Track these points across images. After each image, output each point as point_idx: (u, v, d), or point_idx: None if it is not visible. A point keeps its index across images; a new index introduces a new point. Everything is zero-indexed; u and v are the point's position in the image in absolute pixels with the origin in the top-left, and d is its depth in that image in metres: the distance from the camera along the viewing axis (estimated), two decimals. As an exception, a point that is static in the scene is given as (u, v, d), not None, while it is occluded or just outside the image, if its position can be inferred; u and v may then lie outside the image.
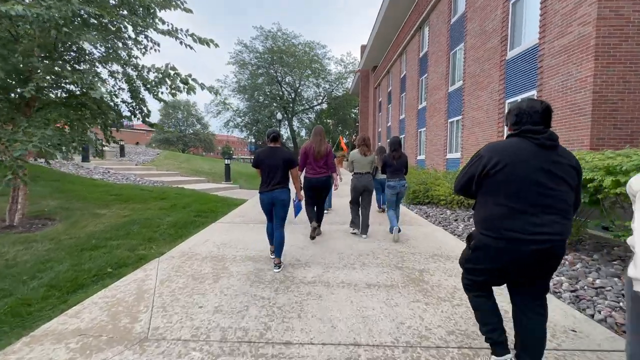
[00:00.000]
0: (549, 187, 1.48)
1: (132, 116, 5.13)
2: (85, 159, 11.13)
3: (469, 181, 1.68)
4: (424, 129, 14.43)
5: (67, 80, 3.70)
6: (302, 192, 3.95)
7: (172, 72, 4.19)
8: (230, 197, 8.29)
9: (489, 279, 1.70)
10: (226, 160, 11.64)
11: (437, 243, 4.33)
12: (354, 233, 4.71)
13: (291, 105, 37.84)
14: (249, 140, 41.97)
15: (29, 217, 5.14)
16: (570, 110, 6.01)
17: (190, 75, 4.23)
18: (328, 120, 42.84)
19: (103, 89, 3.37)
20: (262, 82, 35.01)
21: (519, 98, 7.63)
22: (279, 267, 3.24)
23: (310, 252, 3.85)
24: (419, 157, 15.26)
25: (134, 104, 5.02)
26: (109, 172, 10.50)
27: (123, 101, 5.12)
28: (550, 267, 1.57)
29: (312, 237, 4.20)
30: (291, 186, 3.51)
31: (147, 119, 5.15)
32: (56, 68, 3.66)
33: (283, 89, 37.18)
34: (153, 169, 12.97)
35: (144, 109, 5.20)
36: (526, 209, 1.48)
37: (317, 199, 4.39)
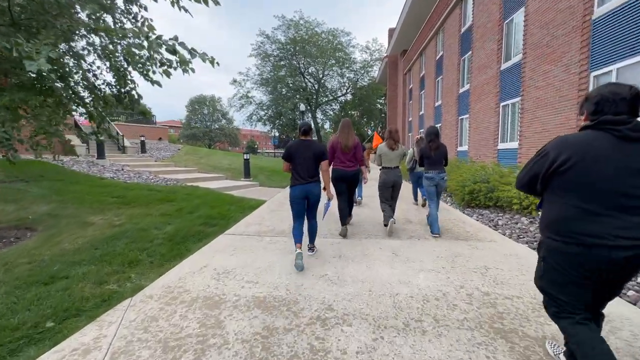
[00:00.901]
0: (635, 185, 1.25)
1: (118, 102, 4.10)
2: (100, 155, 10.57)
3: (532, 180, 1.51)
4: (467, 115, 12.58)
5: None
6: (332, 189, 3.78)
7: (152, 36, 3.06)
8: (246, 198, 7.23)
9: (574, 296, 1.41)
10: (245, 155, 10.61)
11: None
12: (386, 225, 4.27)
13: (314, 96, 36.49)
14: (272, 134, 41.18)
15: (6, 227, 4.32)
16: None
17: (176, 39, 3.07)
18: (353, 112, 40.95)
19: (43, 60, 2.30)
20: (285, 74, 33.91)
21: (613, 69, 5.82)
22: (313, 250, 3.45)
23: (348, 291, 2.59)
24: (459, 148, 13.44)
25: (118, 87, 3.97)
26: (123, 169, 9.86)
27: (107, 84, 4.10)
28: (629, 278, 1.36)
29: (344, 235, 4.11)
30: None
31: (137, 105, 4.10)
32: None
33: (306, 80, 35.91)
34: (171, 165, 12.32)
35: (134, 93, 4.15)
36: (605, 212, 1.28)
37: (346, 190, 4.25)
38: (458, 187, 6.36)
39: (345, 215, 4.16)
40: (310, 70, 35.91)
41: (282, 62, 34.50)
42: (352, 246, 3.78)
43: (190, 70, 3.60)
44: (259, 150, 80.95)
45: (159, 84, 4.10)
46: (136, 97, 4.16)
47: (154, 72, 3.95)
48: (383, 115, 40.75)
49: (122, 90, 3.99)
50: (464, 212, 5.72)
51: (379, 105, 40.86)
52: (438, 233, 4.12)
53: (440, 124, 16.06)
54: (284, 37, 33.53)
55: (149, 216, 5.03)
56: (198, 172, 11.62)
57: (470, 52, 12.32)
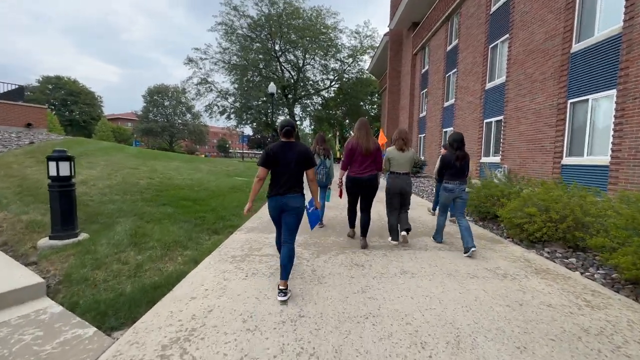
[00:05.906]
0: None
1: None
2: None
3: None
4: (598, 94, 6.12)
5: None
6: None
7: None
8: None
9: None
10: (52, 164, 3.28)
11: None
12: (395, 243, 3.93)
13: (292, 88, 29.45)
14: (240, 131, 33.47)
15: None
16: None
17: None
18: (337, 111, 34.25)
19: None
20: (256, 58, 26.59)
21: None
22: (285, 294, 2.34)
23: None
24: (567, 161, 6.96)
25: None
26: None
27: None
28: None
29: (351, 236, 4.02)
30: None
31: None
32: None
33: (283, 67, 28.77)
34: None
35: None
36: None
37: (363, 200, 3.88)
38: None
39: (354, 217, 4.04)
40: (288, 57, 28.95)
41: (254, 45, 27.19)
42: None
43: None
44: (230, 150, 72.04)
45: None
46: None
47: None
48: (367, 117, 33.95)
49: None
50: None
51: (363, 105, 34.02)
52: (441, 241, 4.01)
53: (501, 117, 9.61)
54: (256, 12, 26.29)
55: None
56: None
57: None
